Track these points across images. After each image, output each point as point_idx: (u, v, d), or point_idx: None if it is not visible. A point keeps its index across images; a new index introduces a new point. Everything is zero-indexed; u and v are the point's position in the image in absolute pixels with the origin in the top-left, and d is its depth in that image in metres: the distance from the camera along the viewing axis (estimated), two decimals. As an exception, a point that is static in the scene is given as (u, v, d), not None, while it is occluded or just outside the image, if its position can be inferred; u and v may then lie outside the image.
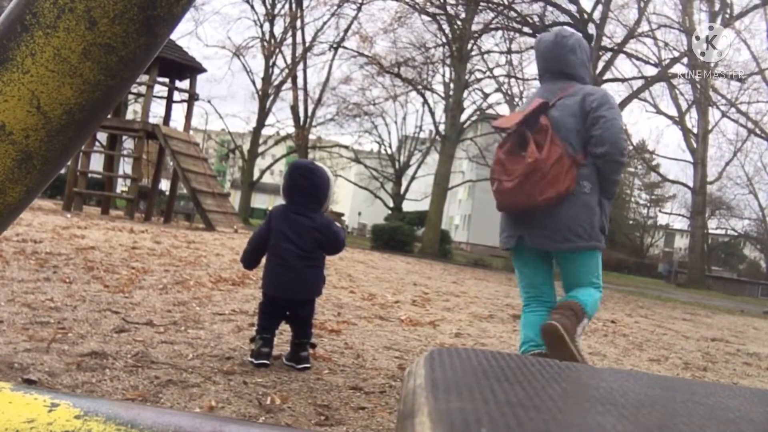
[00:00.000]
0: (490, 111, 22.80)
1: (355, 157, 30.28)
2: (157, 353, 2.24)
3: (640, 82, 18.46)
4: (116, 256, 5.03)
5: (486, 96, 23.48)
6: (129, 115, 24.27)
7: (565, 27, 13.49)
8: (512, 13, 17.43)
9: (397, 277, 7.77)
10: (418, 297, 5.54)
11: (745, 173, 31.82)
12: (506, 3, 17.26)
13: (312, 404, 1.91)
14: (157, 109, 18.52)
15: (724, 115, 24.41)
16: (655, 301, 11.54)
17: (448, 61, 22.55)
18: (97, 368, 1.97)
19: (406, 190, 28.99)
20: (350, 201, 48.91)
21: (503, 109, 22.01)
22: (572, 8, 17.02)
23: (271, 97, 27.65)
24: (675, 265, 35.30)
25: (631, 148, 24.73)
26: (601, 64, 16.77)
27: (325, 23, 25.95)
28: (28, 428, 0.66)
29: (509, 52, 20.08)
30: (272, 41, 26.95)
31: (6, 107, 0.65)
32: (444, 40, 21.39)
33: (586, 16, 17.12)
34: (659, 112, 25.34)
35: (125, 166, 15.67)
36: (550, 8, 17.35)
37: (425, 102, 26.09)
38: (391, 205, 29.00)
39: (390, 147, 30.57)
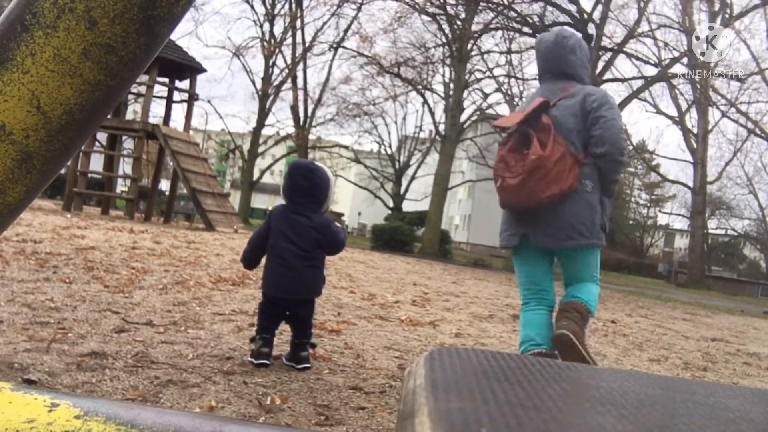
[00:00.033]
0: (490, 111, 22.79)
1: (355, 157, 30.28)
2: (157, 353, 2.24)
3: (640, 82, 18.46)
4: (116, 256, 5.03)
5: (486, 96, 23.48)
6: (129, 115, 24.27)
7: (566, 27, 13.52)
8: (512, 13, 17.42)
9: (397, 277, 7.77)
10: (418, 297, 5.54)
11: (745, 173, 31.86)
12: (506, 3, 17.25)
13: (312, 404, 1.91)
14: (157, 109, 18.55)
15: (724, 115, 24.43)
16: (655, 301, 11.54)
17: (448, 61, 22.56)
18: (97, 368, 1.97)
19: (406, 190, 28.99)
20: (350, 201, 48.90)
21: (503, 109, 22.02)
22: (572, 8, 17.01)
23: (271, 97, 27.65)
24: (675, 265, 35.30)
25: (631, 148, 24.73)
26: (601, 64, 16.76)
27: (325, 23, 25.99)
28: (28, 428, 0.66)
29: (509, 52, 20.08)
30: (272, 41, 26.95)
31: (6, 107, 0.65)
32: (444, 40, 21.39)
33: (586, 16, 17.11)
34: (659, 112, 25.35)
35: (125, 166, 15.67)
36: (550, 8, 17.34)
37: (425, 102, 26.09)
38: (391, 205, 28.99)
39: (390, 147, 30.57)
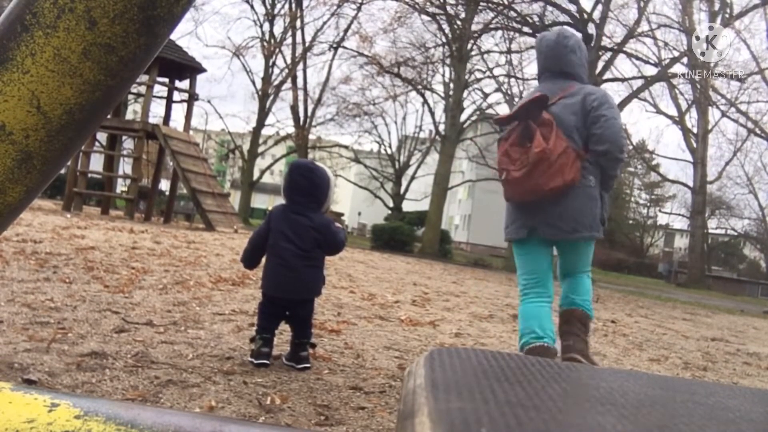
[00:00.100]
0: (490, 111, 22.82)
1: (355, 157, 30.28)
2: (157, 353, 2.24)
3: (639, 82, 18.46)
4: (116, 256, 5.03)
5: (486, 96, 23.51)
6: (129, 115, 24.28)
7: (566, 27, 13.53)
8: (512, 13, 17.43)
9: (397, 277, 7.77)
10: (418, 297, 5.54)
11: (744, 173, 31.85)
12: (506, 3, 17.26)
13: (312, 404, 1.91)
14: (157, 109, 18.55)
15: (723, 114, 24.41)
16: (655, 301, 11.54)
17: (447, 61, 22.57)
18: (97, 368, 1.97)
19: (406, 190, 28.99)
20: (350, 201, 48.90)
21: (503, 109, 22.01)
22: (572, 8, 17.01)
23: (271, 97, 27.65)
24: (675, 264, 35.30)
25: (631, 147, 24.75)
26: (600, 64, 16.77)
27: (324, 23, 26.00)
28: (28, 428, 0.66)
29: (509, 52, 20.09)
30: (272, 41, 26.94)
31: (6, 107, 0.65)
32: (444, 40, 21.41)
33: (585, 15, 17.11)
34: (659, 111, 25.35)
35: (125, 166, 15.68)
36: (549, 8, 17.35)
37: (425, 102, 26.11)
38: (391, 205, 28.99)
39: (390, 147, 30.58)
